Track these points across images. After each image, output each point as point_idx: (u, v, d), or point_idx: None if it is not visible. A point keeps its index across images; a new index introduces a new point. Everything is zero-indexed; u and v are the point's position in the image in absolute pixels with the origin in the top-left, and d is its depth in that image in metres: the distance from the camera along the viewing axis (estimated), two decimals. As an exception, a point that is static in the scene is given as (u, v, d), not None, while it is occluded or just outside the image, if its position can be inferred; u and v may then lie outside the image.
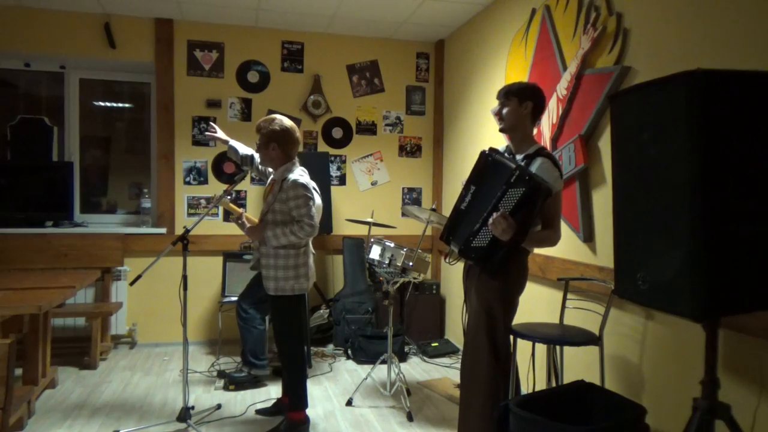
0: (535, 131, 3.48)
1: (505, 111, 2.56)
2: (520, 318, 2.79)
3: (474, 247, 2.42)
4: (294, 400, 3.01)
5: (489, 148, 2.54)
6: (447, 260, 2.79)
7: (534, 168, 2.41)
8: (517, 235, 2.28)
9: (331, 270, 5.11)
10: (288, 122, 3.01)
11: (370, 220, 4.02)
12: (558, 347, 2.83)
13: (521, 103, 2.52)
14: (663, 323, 2.50)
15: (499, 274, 2.45)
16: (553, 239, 2.49)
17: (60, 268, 4.33)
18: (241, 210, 3.46)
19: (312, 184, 2.99)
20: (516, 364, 2.63)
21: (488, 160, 2.47)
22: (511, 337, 2.63)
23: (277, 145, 2.96)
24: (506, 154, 2.57)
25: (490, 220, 2.28)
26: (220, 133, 3.40)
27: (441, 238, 2.66)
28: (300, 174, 2.95)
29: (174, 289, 4.61)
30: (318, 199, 3.72)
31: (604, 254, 2.88)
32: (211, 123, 3.58)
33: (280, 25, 4.82)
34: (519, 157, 2.54)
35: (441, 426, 3.17)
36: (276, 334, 3.06)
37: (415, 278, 3.50)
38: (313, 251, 3.15)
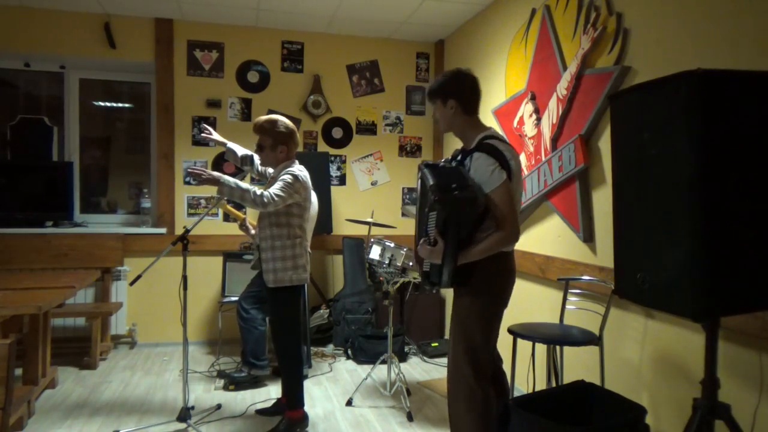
0: (534, 131, 3.48)
1: (436, 114, 2.44)
2: (520, 318, 2.80)
3: (424, 272, 2.39)
4: (291, 399, 3.01)
5: (423, 161, 2.45)
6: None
7: (471, 166, 2.25)
8: (447, 255, 2.18)
9: (331, 270, 5.11)
10: (291, 123, 3.04)
11: (370, 220, 4.02)
12: (558, 347, 2.83)
13: (445, 103, 2.36)
14: (663, 323, 2.50)
15: (469, 287, 2.31)
16: (503, 241, 2.21)
17: (60, 268, 4.33)
18: (243, 215, 3.47)
19: (309, 183, 2.99)
20: (503, 369, 2.53)
21: (419, 176, 2.35)
22: (512, 337, 2.63)
23: (286, 148, 2.99)
24: (459, 155, 2.42)
25: (419, 248, 2.27)
26: (216, 135, 3.38)
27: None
28: (299, 169, 2.97)
29: (174, 289, 4.60)
30: (315, 202, 3.72)
31: (604, 254, 2.88)
32: (204, 125, 3.55)
33: (280, 25, 4.82)
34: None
35: (441, 426, 3.17)
36: (273, 330, 3.07)
37: (415, 278, 3.50)
38: (309, 251, 3.14)
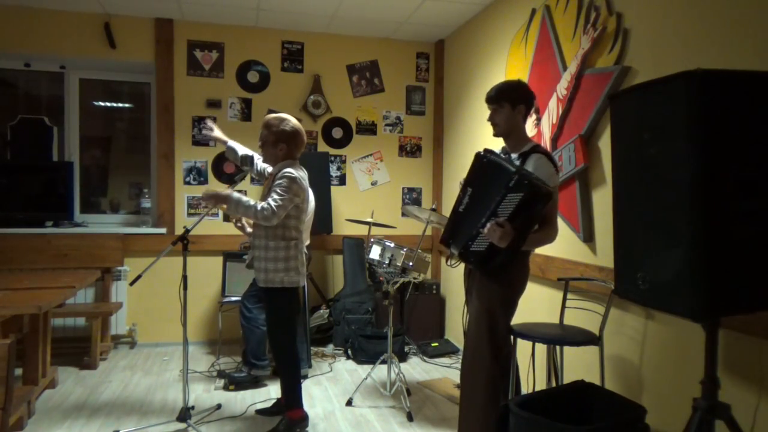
0: (534, 131, 3.48)
1: (498, 116, 2.54)
2: (520, 318, 2.80)
3: (473, 252, 2.41)
4: (289, 399, 3.01)
5: (484, 149, 2.49)
6: (449, 263, 2.80)
7: (530, 166, 2.40)
8: (516, 241, 2.27)
9: (331, 270, 5.11)
10: (298, 124, 3.03)
11: (370, 220, 4.02)
12: (558, 347, 2.83)
13: (514, 108, 2.51)
14: (663, 323, 2.50)
15: (500, 276, 2.44)
16: (551, 236, 2.48)
17: (60, 268, 4.33)
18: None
19: (305, 182, 2.99)
20: (516, 363, 2.62)
21: (483, 161, 2.43)
22: (511, 337, 2.63)
23: (286, 146, 2.98)
24: (502, 154, 2.56)
25: (487, 227, 2.26)
26: (218, 132, 3.36)
27: (441, 242, 2.65)
28: (297, 170, 2.96)
29: (174, 289, 4.60)
30: (312, 201, 3.71)
31: (604, 254, 2.87)
32: (208, 121, 3.49)
33: (280, 25, 4.82)
34: (514, 155, 2.54)
35: (441, 426, 3.17)
36: (268, 330, 3.08)
37: (415, 278, 3.50)
38: (307, 252, 3.13)
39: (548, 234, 2.47)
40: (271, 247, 2.92)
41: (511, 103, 2.51)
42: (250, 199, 2.82)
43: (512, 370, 2.56)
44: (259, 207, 2.78)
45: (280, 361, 3.04)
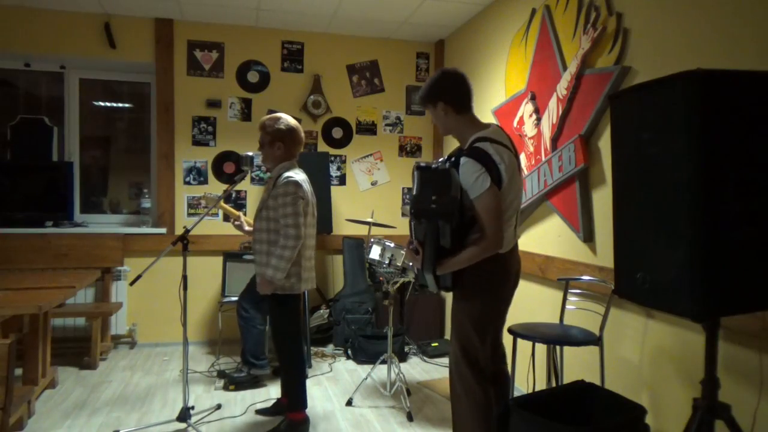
0: (534, 131, 3.47)
1: (433, 119, 2.43)
2: (520, 318, 2.80)
3: (415, 274, 2.51)
4: (292, 400, 3.01)
5: (416, 162, 2.43)
6: None
7: (459, 172, 2.22)
8: (425, 265, 2.23)
9: (331, 270, 5.11)
10: (293, 121, 3.02)
11: (370, 220, 4.02)
12: (558, 347, 2.83)
13: (435, 107, 2.35)
14: (663, 323, 2.50)
15: (459, 291, 2.36)
16: (483, 251, 2.17)
17: (60, 268, 4.33)
18: (238, 213, 3.47)
19: (306, 184, 2.99)
20: (507, 370, 2.53)
21: (412, 178, 2.36)
22: (512, 337, 2.63)
23: (283, 145, 2.97)
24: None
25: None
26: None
27: None
28: (296, 173, 2.96)
29: (174, 289, 4.60)
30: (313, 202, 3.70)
31: (604, 254, 2.88)
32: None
33: (280, 25, 4.82)
34: None
35: (441, 426, 3.17)
36: (273, 335, 3.08)
37: (414, 278, 3.50)
38: (310, 254, 3.12)
39: (478, 249, 2.17)
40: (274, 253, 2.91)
41: (431, 104, 2.36)
42: (275, 252, 2.83)
43: (498, 374, 2.45)
44: (283, 242, 2.82)
45: (285, 364, 3.04)
